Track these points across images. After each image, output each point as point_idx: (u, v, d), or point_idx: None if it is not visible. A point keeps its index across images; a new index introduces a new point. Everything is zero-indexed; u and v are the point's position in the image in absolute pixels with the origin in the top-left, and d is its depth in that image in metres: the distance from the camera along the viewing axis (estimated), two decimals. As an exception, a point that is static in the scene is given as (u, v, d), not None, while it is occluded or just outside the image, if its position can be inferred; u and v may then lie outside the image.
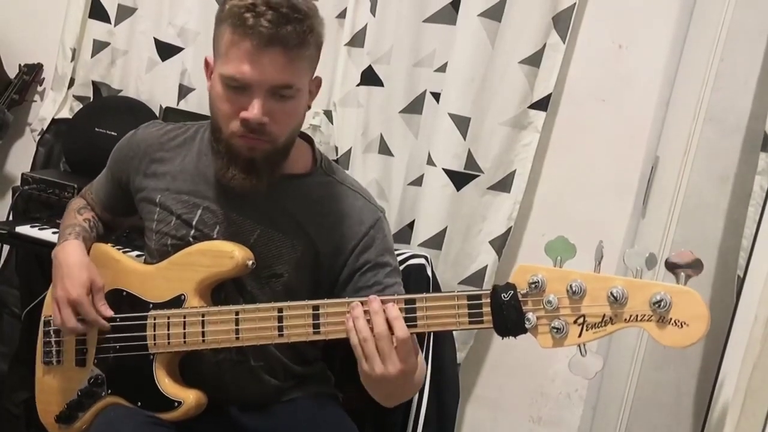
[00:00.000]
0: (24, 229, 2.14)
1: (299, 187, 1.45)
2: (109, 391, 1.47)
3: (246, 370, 1.48)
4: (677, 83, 2.05)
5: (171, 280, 1.42)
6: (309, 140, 1.52)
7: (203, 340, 1.36)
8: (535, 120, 2.06)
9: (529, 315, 1.13)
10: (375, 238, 1.45)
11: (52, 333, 1.55)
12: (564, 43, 2.01)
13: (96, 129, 2.36)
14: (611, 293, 1.08)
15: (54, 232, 2.11)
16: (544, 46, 2.02)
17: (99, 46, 2.55)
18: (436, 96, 2.12)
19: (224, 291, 1.43)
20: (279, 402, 1.53)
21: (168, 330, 1.39)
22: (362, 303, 1.23)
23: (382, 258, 1.45)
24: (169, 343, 1.39)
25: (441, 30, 2.11)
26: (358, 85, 2.20)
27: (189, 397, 1.39)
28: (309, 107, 1.43)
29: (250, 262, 1.39)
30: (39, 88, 2.66)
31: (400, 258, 1.85)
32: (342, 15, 2.25)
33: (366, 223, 1.45)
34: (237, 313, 1.33)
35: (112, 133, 2.32)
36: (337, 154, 2.23)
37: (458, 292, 1.20)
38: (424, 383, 1.83)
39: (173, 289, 1.41)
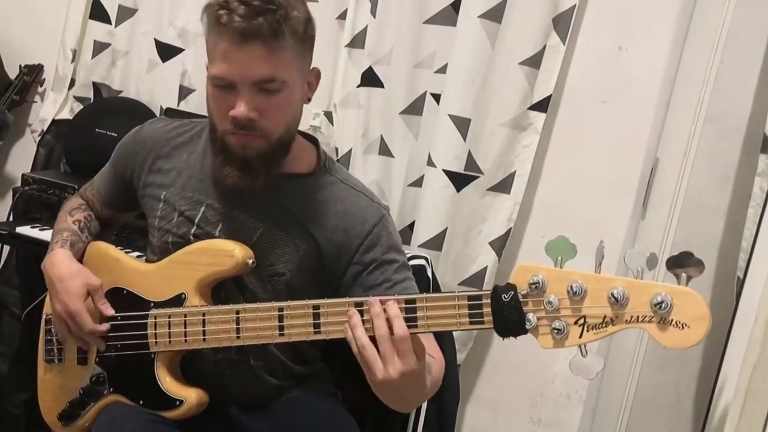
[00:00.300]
0: (24, 230, 2.14)
1: (302, 186, 1.45)
2: (111, 389, 1.47)
3: (246, 369, 1.48)
4: (677, 84, 2.05)
5: (171, 279, 1.42)
6: (314, 141, 1.52)
7: (204, 339, 1.36)
8: (535, 121, 2.06)
9: (530, 316, 1.12)
10: (380, 236, 1.44)
11: (53, 332, 1.54)
12: (564, 44, 2.01)
13: (96, 130, 2.36)
14: (612, 294, 1.07)
15: (54, 233, 2.12)
16: (544, 47, 2.02)
17: (99, 47, 2.55)
18: (437, 97, 2.12)
19: (225, 290, 1.43)
20: (279, 401, 1.52)
21: (169, 329, 1.39)
22: (359, 308, 1.22)
23: (389, 255, 1.44)
24: (170, 341, 1.39)
25: (441, 31, 2.11)
26: (358, 86, 2.20)
27: (190, 396, 1.39)
28: (309, 100, 1.42)
29: (251, 261, 1.39)
30: (39, 89, 2.67)
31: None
32: (342, 16, 2.25)
33: (370, 221, 1.45)
34: (237, 312, 1.33)
35: (113, 134, 2.32)
36: (337, 156, 2.23)
37: (459, 292, 1.19)
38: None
39: (174, 287, 1.41)
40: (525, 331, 1.13)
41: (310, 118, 2.32)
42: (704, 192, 2.05)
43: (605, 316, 1.09)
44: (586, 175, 2.08)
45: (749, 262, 1.80)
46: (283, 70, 1.31)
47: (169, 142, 1.52)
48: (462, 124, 2.06)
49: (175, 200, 1.48)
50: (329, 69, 2.26)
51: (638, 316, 1.07)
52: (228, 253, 1.39)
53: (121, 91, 2.55)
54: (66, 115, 2.58)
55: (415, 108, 2.18)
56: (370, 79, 2.18)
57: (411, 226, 2.18)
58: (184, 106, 2.44)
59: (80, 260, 1.53)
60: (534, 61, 2.02)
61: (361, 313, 1.21)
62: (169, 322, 1.39)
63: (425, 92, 2.16)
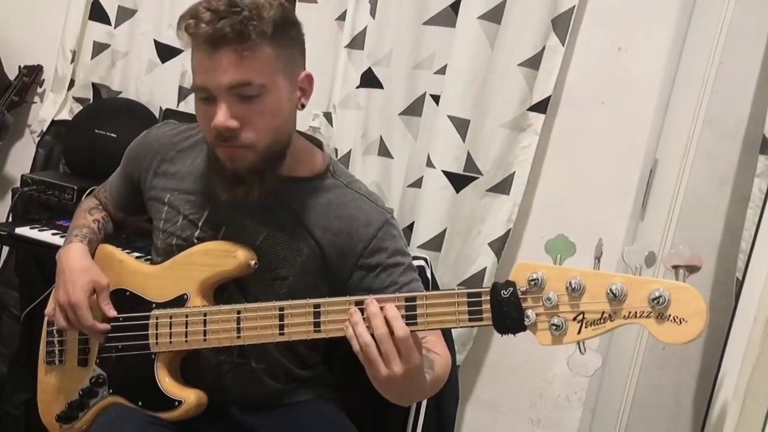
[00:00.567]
0: (23, 231, 2.14)
1: (306, 190, 1.45)
2: (111, 390, 1.47)
3: (247, 371, 1.48)
4: (676, 85, 2.05)
5: (174, 280, 1.43)
6: (318, 144, 1.52)
7: (205, 339, 1.36)
8: (534, 122, 2.06)
9: (529, 312, 1.13)
10: (384, 239, 1.44)
11: (55, 333, 1.55)
12: (563, 45, 2.01)
13: (96, 131, 2.36)
14: (610, 290, 1.08)
15: (54, 234, 2.12)
16: (544, 48, 2.02)
17: (99, 48, 2.55)
18: (436, 98, 2.12)
19: (227, 292, 1.44)
20: (279, 404, 1.53)
21: (170, 329, 1.39)
22: (359, 306, 1.22)
23: (394, 258, 1.44)
24: (170, 342, 1.40)
25: (441, 32, 2.11)
26: (357, 87, 2.20)
27: (189, 397, 1.40)
28: (303, 106, 1.40)
29: (253, 262, 1.39)
30: (39, 90, 2.67)
31: (399, 260, 1.85)
32: (342, 17, 2.25)
33: (374, 225, 1.44)
34: (238, 312, 1.33)
35: (112, 134, 2.32)
36: (336, 156, 2.23)
37: (458, 289, 1.19)
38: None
39: (176, 288, 1.42)
40: (524, 328, 1.14)
41: (309, 119, 2.32)
42: (703, 193, 2.06)
43: (603, 312, 1.09)
44: (585, 176, 2.08)
45: (748, 263, 1.80)
46: (257, 73, 1.28)
47: (174, 146, 1.52)
48: (461, 125, 2.06)
49: (179, 204, 1.48)
50: (328, 70, 2.26)
51: (636, 312, 1.07)
52: (230, 253, 1.39)
53: (120, 92, 2.55)
54: (65, 115, 2.58)
55: (414, 109, 2.18)
56: (369, 80, 2.18)
57: (410, 226, 2.18)
58: (183, 107, 2.44)
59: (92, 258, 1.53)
60: (533, 62, 2.03)
61: (362, 311, 1.21)
62: (171, 322, 1.39)
63: (425, 93, 2.17)
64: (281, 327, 1.29)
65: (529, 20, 2.01)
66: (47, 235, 2.11)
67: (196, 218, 1.46)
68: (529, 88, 2.04)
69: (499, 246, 2.11)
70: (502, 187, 2.10)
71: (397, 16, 2.14)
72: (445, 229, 2.12)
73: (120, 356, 1.45)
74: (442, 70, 2.11)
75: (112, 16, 2.52)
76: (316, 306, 1.27)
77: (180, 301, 1.41)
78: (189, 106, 2.44)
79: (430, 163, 2.10)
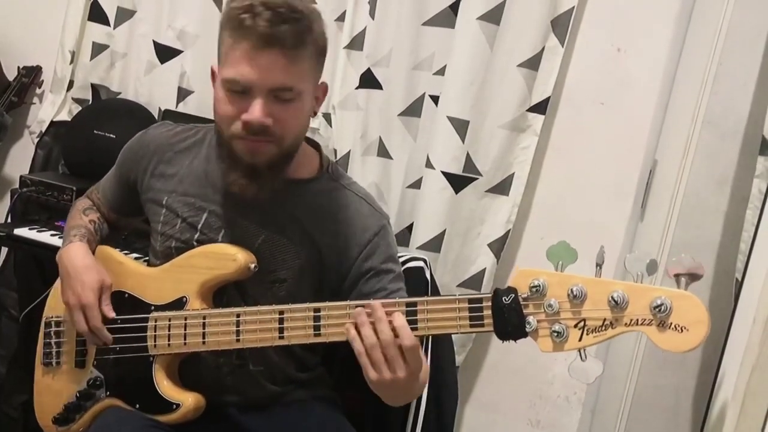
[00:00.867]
0: (22, 232, 2.13)
1: (305, 192, 1.45)
2: (108, 393, 1.47)
3: (245, 374, 1.47)
4: (676, 86, 2.06)
5: (173, 283, 1.42)
6: (316, 146, 1.52)
7: (204, 342, 1.36)
8: (533, 123, 2.06)
9: (530, 318, 1.13)
10: (379, 245, 1.45)
11: (52, 334, 1.55)
12: (563, 46, 2.01)
13: (95, 131, 2.36)
14: (612, 297, 1.08)
15: (52, 234, 2.11)
16: (543, 49, 2.02)
17: (98, 49, 2.55)
18: (435, 99, 2.12)
19: (226, 295, 1.43)
20: (278, 405, 1.52)
21: (169, 332, 1.39)
22: (365, 309, 1.22)
23: (386, 265, 1.45)
24: (169, 344, 1.39)
25: (440, 33, 2.11)
26: (357, 88, 2.20)
27: (187, 400, 1.39)
28: (315, 113, 1.43)
29: (253, 265, 1.39)
30: (38, 91, 2.66)
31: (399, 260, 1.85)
32: (341, 18, 2.25)
33: (371, 229, 1.45)
34: (238, 315, 1.33)
35: (111, 135, 2.32)
36: (335, 157, 2.23)
37: (459, 295, 1.20)
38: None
39: (175, 291, 1.41)
40: (525, 334, 1.14)
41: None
42: (703, 193, 2.06)
43: (605, 320, 1.09)
44: (584, 176, 2.08)
45: (747, 264, 1.80)
46: (299, 80, 1.31)
47: (171, 147, 1.52)
48: (461, 126, 2.06)
49: (177, 206, 1.48)
50: (328, 71, 2.24)
51: (638, 320, 1.08)
52: (230, 257, 1.39)
53: (119, 93, 2.55)
54: (64, 116, 2.58)
55: (413, 110, 2.18)
56: (368, 80, 2.18)
57: (410, 227, 2.18)
58: (182, 108, 2.44)
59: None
60: (533, 63, 2.02)
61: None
62: (169, 325, 1.39)
63: (424, 94, 2.16)
64: (281, 330, 1.29)
65: (528, 21, 2.01)
66: (46, 236, 2.11)
67: (195, 221, 1.46)
68: (528, 88, 2.04)
69: (498, 247, 2.11)
70: (502, 187, 2.10)
71: (397, 16, 2.14)
72: (445, 230, 2.12)
73: (118, 358, 1.44)
74: (441, 71, 2.11)
75: (111, 16, 2.52)
76: (316, 310, 1.27)
77: (179, 303, 1.40)
78: (188, 107, 2.43)
79: (429, 164, 2.10)
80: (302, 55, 1.30)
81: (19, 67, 2.60)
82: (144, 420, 1.40)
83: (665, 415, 2.15)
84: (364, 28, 2.18)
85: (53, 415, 1.52)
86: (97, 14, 2.53)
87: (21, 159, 2.66)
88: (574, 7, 1.98)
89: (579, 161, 2.09)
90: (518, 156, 2.09)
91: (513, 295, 1.14)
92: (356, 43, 2.20)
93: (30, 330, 2.07)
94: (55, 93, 2.58)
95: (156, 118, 2.43)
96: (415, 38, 2.14)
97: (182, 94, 2.44)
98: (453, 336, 2.02)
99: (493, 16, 2.02)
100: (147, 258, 1.61)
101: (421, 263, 1.92)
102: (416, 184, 2.17)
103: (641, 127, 2.03)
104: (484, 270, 2.12)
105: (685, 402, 2.11)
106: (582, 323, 1.10)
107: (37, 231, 2.14)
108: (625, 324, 1.08)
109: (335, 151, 2.25)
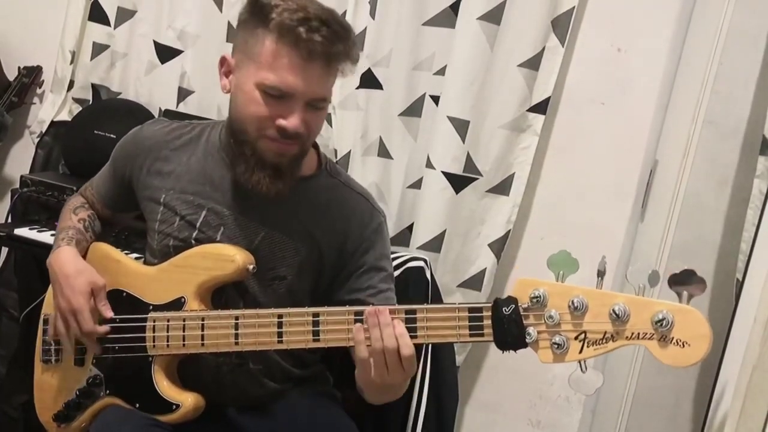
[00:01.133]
0: (23, 232, 2.13)
1: (304, 189, 1.45)
2: (108, 391, 1.47)
3: (245, 373, 1.47)
4: (676, 86, 2.05)
5: (171, 282, 1.42)
6: (314, 144, 1.52)
7: (202, 344, 1.36)
8: (534, 123, 2.06)
9: (530, 329, 1.13)
10: (375, 242, 1.46)
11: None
12: (563, 46, 2.01)
13: (95, 131, 2.36)
14: (613, 310, 1.08)
15: (53, 234, 2.10)
16: (543, 49, 2.02)
17: (98, 49, 2.55)
18: (436, 99, 2.12)
19: (225, 294, 1.43)
20: (278, 403, 1.52)
21: (167, 333, 1.39)
22: (361, 315, 1.23)
23: (380, 263, 1.46)
24: (168, 345, 1.39)
25: (440, 33, 2.11)
26: (357, 88, 2.20)
27: (187, 400, 1.39)
28: None
29: (251, 267, 1.38)
30: (38, 91, 2.66)
31: (399, 260, 1.86)
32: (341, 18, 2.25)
33: (368, 226, 1.46)
34: (236, 318, 1.33)
35: (111, 135, 2.32)
36: (336, 157, 2.23)
37: (459, 304, 1.20)
38: (423, 384, 1.85)
39: (173, 291, 1.41)
40: (525, 345, 1.14)
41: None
42: (703, 194, 2.05)
43: (606, 332, 1.09)
44: (585, 176, 2.08)
45: (748, 264, 1.80)
46: (330, 91, 1.37)
47: (167, 144, 1.51)
48: (461, 126, 2.06)
49: (175, 204, 1.47)
50: (328, 71, 2.25)
51: (639, 333, 1.07)
52: (229, 258, 1.39)
53: (119, 93, 2.55)
54: (65, 116, 2.58)
55: (414, 110, 2.18)
56: (369, 80, 2.18)
57: (410, 227, 2.18)
58: (183, 108, 2.44)
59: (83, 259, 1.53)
60: (533, 63, 2.02)
61: (360, 321, 1.23)
62: (168, 326, 1.39)
63: (424, 94, 2.16)
64: (279, 335, 1.30)
65: (528, 21, 2.01)
66: (46, 236, 2.11)
67: (194, 219, 1.46)
68: (528, 88, 2.04)
69: (498, 247, 2.11)
70: (502, 188, 2.10)
71: (397, 16, 2.14)
72: (445, 230, 2.12)
73: (116, 358, 1.44)
74: (441, 71, 2.11)
75: (112, 16, 2.52)
76: (315, 315, 1.27)
77: (177, 303, 1.40)
78: (188, 107, 2.43)
79: (429, 164, 2.10)
80: (339, 69, 1.34)
81: (19, 67, 2.60)
82: (144, 419, 1.40)
83: (666, 416, 2.14)
84: (365, 28, 2.17)
85: (54, 413, 1.52)
86: (97, 14, 2.53)
87: (21, 159, 2.66)
88: (574, 7, 1.98)
89: (579, 161, 2.08)
90: (518, 156, 2.09)
91: (513, 306, 1.14)
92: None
93: (30, 330, 2.07)
94: (56, 93, 2.58)
95: (156, 118, 2.43)
96: (415, 38, 2.14)
97: (182, 94, 2.44)
98: (453, 339, 2.02)
99: (494, 16, 2.02)
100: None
101: (421, 263, 1.92)
102: (416, 184, 2.16)
103: (642, 127, 2.03)
104: (484, 270, 2.12)
105: (685, 402, 2.11)
106: (583, 335, 1.10)
107: (38, 231, 2.14)
108: (626, 337, 1.08)
109: (335, 151, 2.24)
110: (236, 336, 1.33)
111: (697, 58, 2.02)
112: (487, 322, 1.16)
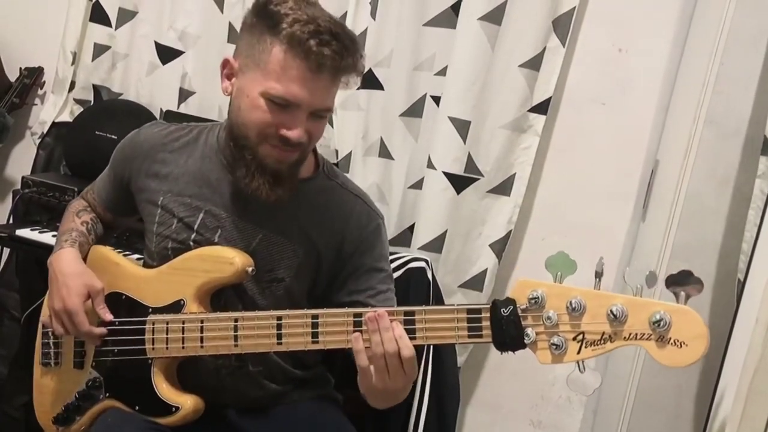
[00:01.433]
0: (24, 232, 2.14)
1: (302, 191, 1.45)
2: (107, 394, 1.47)
3: (245, 374, 1.47)
4: (677, 86, 2.05)
5: (170, 285, 1.42)
6: None
7: (202, 347, 1.36)
8: (535, 123, 2.06)
9: (529, 330, 1.13)
10: (373, 243, 1.46)
11: (50, 334, 1.55)
12: (564, 46, 2.01)
13: (96, 132, 2.36)
14: (611, 311, 1.08)
15: (54, 235, 2.11)
16: (544, 49, 2.02)
17: (100, 50, 2.55)
18: (437, 99, 2.12)
19: (224, 296, 1.43)
20: (278, 405, 1.52)
21: (166, 335, 1.39)
22: (360, 317, 1.23)
23: (378, 263, 1.46)
24: (167, 348, 1.39)
25: (441, 33, 2.11)
26: (358, 88, 2.19)
27: (186, 403, 1.39)
28: None
29: (250, 269, 1.38)
30: (39, 92, 2.67)
31: (400, 261, 1.86)
32: (342, 18, 2.24)
33: (365, 227, 1.46)
34: (236, 320, 1.33)
35: (113, 136, 2.32)
36: (337, 158, 2.23)
37: (458, 305, 1.21)
38: (424, 385, 1.85)
39: (172, 293, 1.41)
40: (523, 346, 1.15)
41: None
42: (704, 194, 2.05)
43: (604, 333, 1.09)
44: (586, 177, 2.08)
45: (750, 264, 1.79)
46: (334, 101, 1.38)
47: (165, 147, 1.51)
48: (462, 127, 2.06)
49: (173, 206, 1.47)
50: (328, 71, 2.25)
51: (636, 334, 1.08)
52: (228, 260, 1.39)
53: (121, 94, 2.55)
54: (66, 117, 2.58)
55: (415, 110, 2.18)
56: (370, 81, 2.17)
57: (411, 228, 2.18)
58: (184, 109, 2.44)
59: (84, 262, 1.53)
60: (534, 63, 2.02)
61: (359, 325, 1.23)
62: (167, 328, 1.39)
63: (425, 94, 2.16)
64: (279, 336, 1.30)
65: (529, 21, 2.01)
66: (48, 237, 2.11)
67: (192, 221, 1.46)
68: (529, 89, 2.04)
69: (499, 247, 2.11)
70: (503, 188, 2.10)
71: (398, 17, 2.14)
72: (446, 231, 2.12)
73: (116, 360, 1.44)
74: (442, 72, 2.11)
75: (113, 17, 2.52)
76: (314, 317, 1.27)
77: (176, 306, 1.40)
78: (189, 107, 2.43)
79: (430, 165, 2.10)
80: (344, 81, 1.35)
81: (20, 68, 2.60)
82: (144, 421, 1.41)
83: (667, 416, 2.14)
84: (366, 29, 2.17)
85: (53, 415, 1.53)
86: (98, 15, 2.54)
87: (23, 160, 2.66)
88: (575, 8, 1.98)
89: (580, 162, 2.08)
90: (519, 156, 2.08)
91: (512, 307, 1.14)
92: (357, 43, 2.20)
93: (31, 331, 2.06)
94: (57, 94, 2.58)
95: (157, 119, 2.43)
96: (416, 39, 2.14)
97: (183, 95, 2.44)
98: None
99: (495, 17, 2.02)
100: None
101: (422, 264, 1.92)
102: (418, 185, 2.16)
103: (643, 128, 2.03)
104: (485, 270, 2.12)
105: (687, 403, 2.11)
106: (581, 336, 1.10)
107: (39, 232, 2.15)
108: (624, 338, 1.08)
109: (336, 151, 2.24)
110: (235, 338, 1.33)
111: (698, 58, 2.02)
112: (486, 323, 1.16)
